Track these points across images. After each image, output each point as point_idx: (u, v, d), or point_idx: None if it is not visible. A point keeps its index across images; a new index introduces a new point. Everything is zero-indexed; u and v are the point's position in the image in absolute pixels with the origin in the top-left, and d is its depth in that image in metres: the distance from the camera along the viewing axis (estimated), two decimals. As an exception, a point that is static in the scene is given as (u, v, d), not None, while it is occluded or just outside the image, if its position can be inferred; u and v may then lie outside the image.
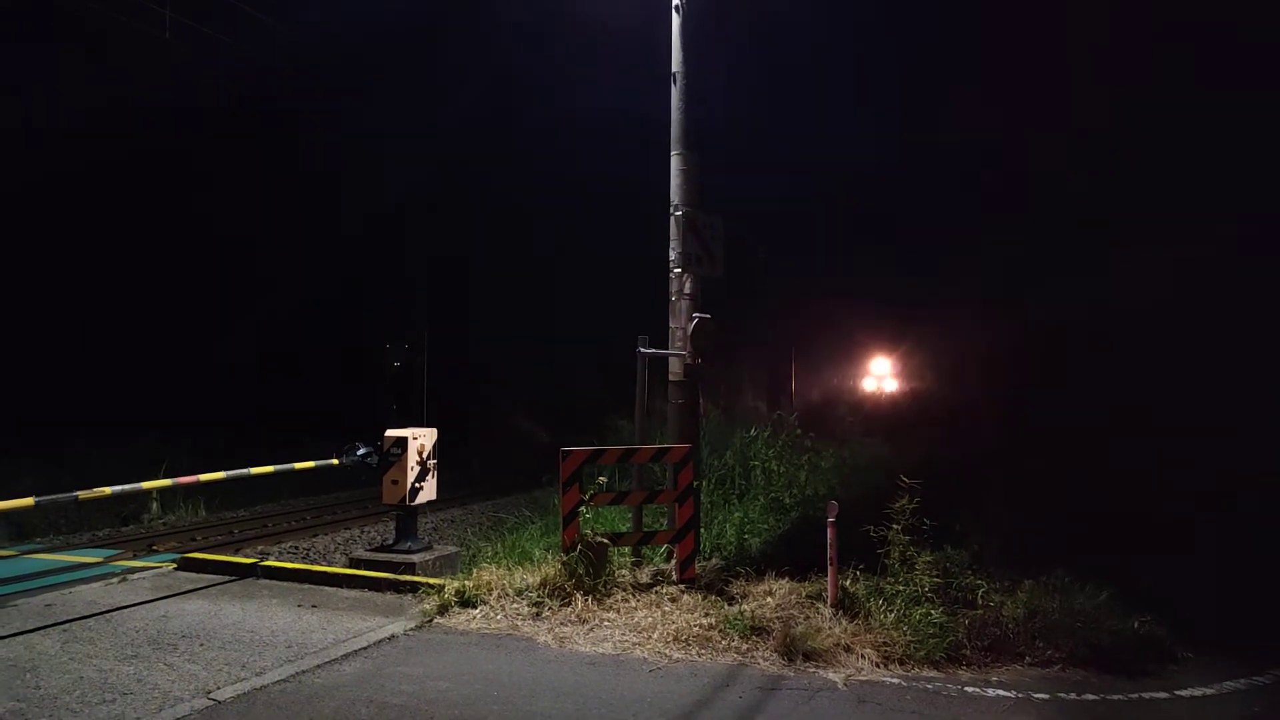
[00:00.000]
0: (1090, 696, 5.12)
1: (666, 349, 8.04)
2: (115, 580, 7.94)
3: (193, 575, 8.11)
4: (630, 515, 7.68)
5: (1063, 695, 5.12)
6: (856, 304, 23.35)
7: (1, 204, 19.22)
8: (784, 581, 6.86)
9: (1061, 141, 18.30)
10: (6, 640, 6.08)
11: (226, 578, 7.97)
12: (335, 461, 8.79)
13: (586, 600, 6.55)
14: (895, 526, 6.52)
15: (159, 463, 13.40)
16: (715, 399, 13.09)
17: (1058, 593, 6.24)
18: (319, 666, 5.53)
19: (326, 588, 7.59)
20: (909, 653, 5.60)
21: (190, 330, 22.65)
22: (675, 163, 8.08)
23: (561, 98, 29.02)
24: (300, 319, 24.26)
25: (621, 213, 22.67)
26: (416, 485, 8.10)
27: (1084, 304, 15.00)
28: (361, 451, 8.70)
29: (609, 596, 6.66)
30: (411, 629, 6.32)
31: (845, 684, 5.25)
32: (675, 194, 8.05)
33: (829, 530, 6.28)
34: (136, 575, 8.18)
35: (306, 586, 7.65)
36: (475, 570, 7.29)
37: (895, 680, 5.33)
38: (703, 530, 7.97)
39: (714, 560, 7.65)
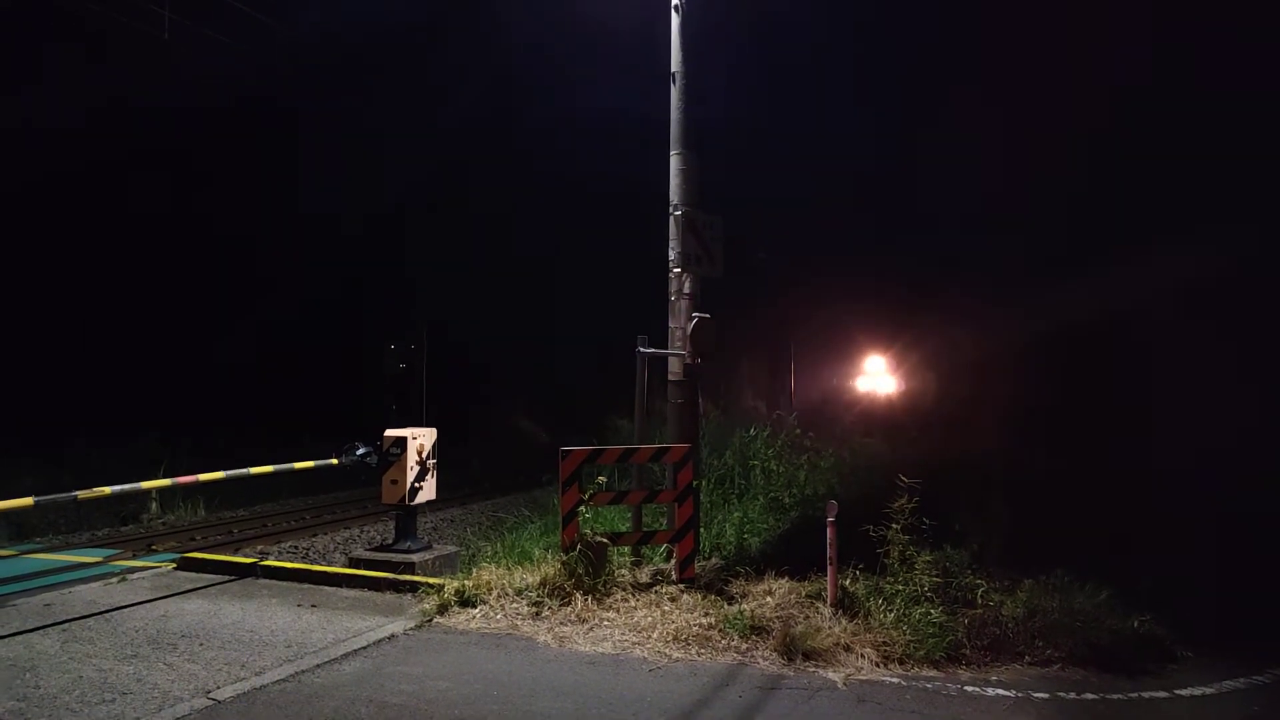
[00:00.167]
0: (1090, 696, 5.12)
1: (666, 349, 8.04)
2: (115, 580, 7.94)
3: (192, 575, 8.11)
4: (630, 515, 7.68)
5: (1062, 694, 5.11)
6: (857, 304, 23.34)
7: (2, 204, 19.22)
8: (783, 581, 6.86)
9: (1062, 141, 18.29)
10: (6, 640, 6.08)
11: (226, 577, 7.97)
12: (335, 461, 8.79)
13: (586, 600, 6.54)
14: (895, 526, 6.51)
15: (158, 462, 13.42)
16: (715, 399, 13.09)
17: (1057, 592, 6.24)
18: (318, 666, 5.53)
19: (326, 587, 7.59)
20: (909, 652, 5.60)
21: (190, 330, 22.68)
22: (675, 162, 8.08)
23: (561, 98, 29.10)
24: (300, 319, 24.29)
25: (621, 213, 22.69)
26: (416, 485, 8.10)
27: (1084, 304, 14.99)
28: (361, 451, 8.70)
29: (609, 596, 6.66)
30: (411, 628, 6.32)
31: (845, 683, 5.25)
32: (675, 194, 8.05)
33: (828, 530, 6.28)
34: (136, 575, 8.18)
35: (306, 586, 7.65)
36: (475, 570, 7.29)
37: (895, 680, 5.33)
38: (702, 530, 7.97)
39: (713, 560, 7.65)
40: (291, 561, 9.45)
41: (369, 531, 11.83)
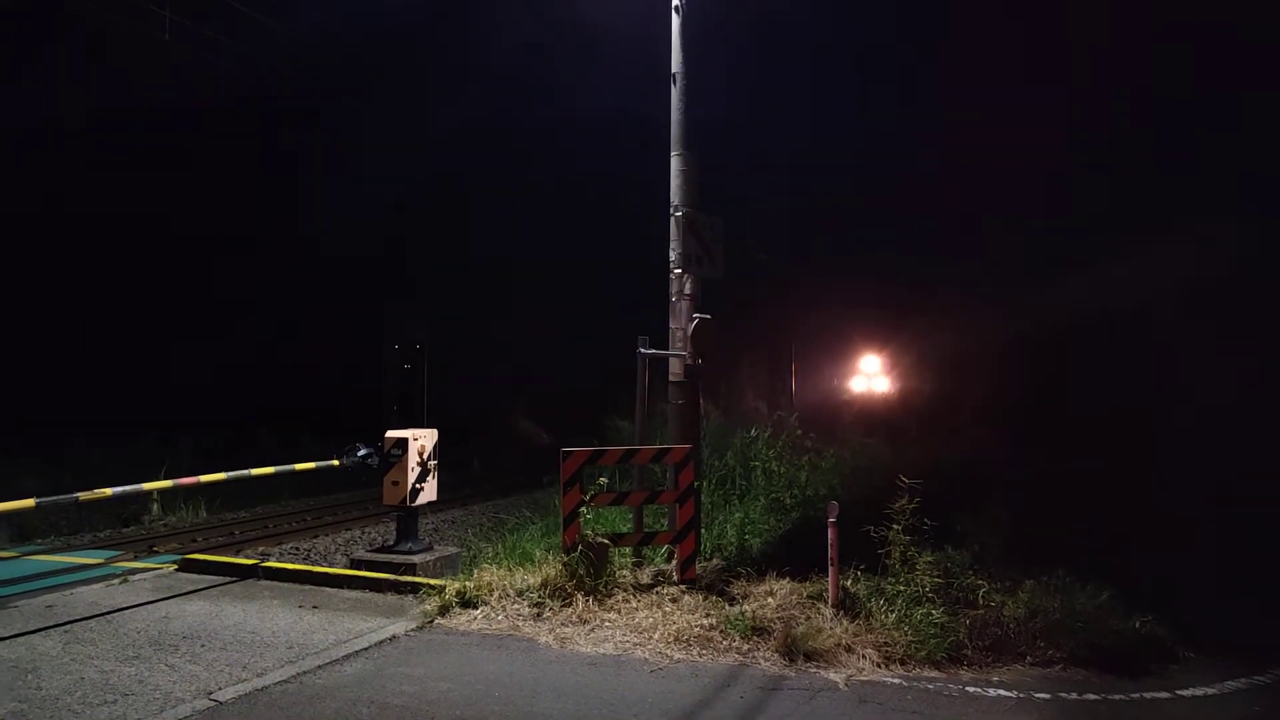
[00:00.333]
0: (1092, 696, 5.12)
1: (667, 349, 8.04)
2: (116, 581, 7.95)
3: (194, 576, 8.11)
4: (631, 516, 7.68)
5: (1064, 695, 5.12)
6: (858, 304, 23.34)
7: (2, 204, 19.24)
8: (785, 582, 6.86)
9: (1062, 140, 18.30)
10: (8, 641, 6.08)
11: (228, 579, 7.97)
12: (336, 463, 8.79)
13: (587, 601, 6.54)
14: (896, 527, 6.52)
15: (160, 463, 13.42)
16: (716, 399, 13.09)
17: (1059, 593, 6.24)
18: (320, 667, 5.53)
19: (327, 588, 7.59)
20: (910, 653, 5.60)
21: (191, 330, 22.68)
22: (675, 163, 8.08)
23: (561, 98, 29.06)
24: (301, 319, 24.29)
25: (622, 213, 22.70)
26: (417, 486, 8.11)
27: (1083, 304, 14.99)
28: (362, 453, 8.70)
29: (610, 597, 6.66)
30: (412, 630, 6.32)
31: (846, 684, 5.25)
32: (675, 194, 8.05)
33: (830, 530, 6.28)
34: (137, 576, 8.18)
35: (307, 587, 7.65)
36: (476, 571, 7.29)
37: (896, 680, 5.33)
38: (703, 531, 7.97)
39: (715, 561, 7.65)
40: (293, 563, 9.45)
41: (370, 533, 11.83)
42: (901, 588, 6.32)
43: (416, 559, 7.93)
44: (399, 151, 25.59)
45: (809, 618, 6.15)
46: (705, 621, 6.12)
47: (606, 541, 6.98)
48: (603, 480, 7.27)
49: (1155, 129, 16.89)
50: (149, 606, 7.03)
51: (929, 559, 6.50)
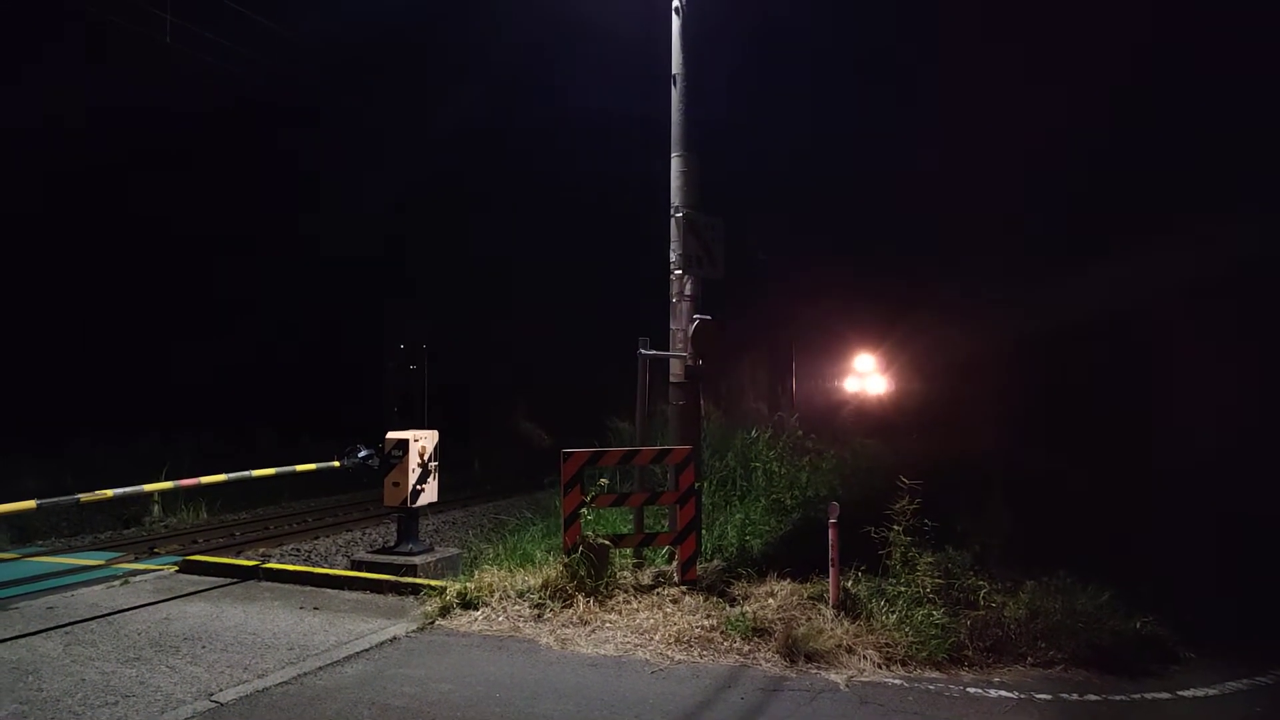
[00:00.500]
0: (1093, 697, 5.12)
1: (667, 350, 8.04)
2: (117, 583, 7.95)
3: (194, 578, 8.12)
4: (632, 517, 7.68)
5: (1065, 696, 5.12)
6: (858, 304, 23.33)
7: (4, 204, 19.25)
8: (786, 583, 6.86)
9: (1061, 139, 18.29)
10: (9, 643, 6.09)
11: (228, 580, 7.97)
12: (336, 464, 8.80)
13: (588, 602, 6.55)
14: (896, 527, 6.51)
15: (160, 463, 13.44)
16: (716, 400, 13.07)
17: (1060, 593, 6.24)
18: (321, 668, 5.53)
19: (328, 590, 7.60)
20: (911, 654, 5.60)
21: (191, 330, 22.70)
22: (675, 164, 8.08)
23: (561, 99, 29.08)
24: (301, 319, 24.31)
25: (622, 213, 22.70)
26: (418, 487, 8.11)
27: (1082, 303, 14.99)
28: (363, 454, 8.71)
29: (611, 598, 6.66)
30: (413, 631, 6.33)
31: (847, 685, 5.25)
32: (676, 195, 8.05)
33: (830, 531, 6.28)
34: (138, 578, 8.19)
35: (308, 589, 7.66)
36: (477, 572, 7.29)
37: (897, 681, 5.33)
38: (704, 531, 7.97)
39: (716, 561, 7.65)
40: (294, 564, 9.44)
41: (371, 534, 11.83)
42: (902, 588, 6.31)
43: (417, 560, 7.93)
44: (399, 151, 25.61)
45: (810, 619, 6.15)
46: (706, 622, 6.12)
47: (607, 542, 6.98)
48: (603, 481, 7.28)
49: (1154, 129, 16.89)
50: (150, 608, 7.04)
51: (930, 560, 6.49)
